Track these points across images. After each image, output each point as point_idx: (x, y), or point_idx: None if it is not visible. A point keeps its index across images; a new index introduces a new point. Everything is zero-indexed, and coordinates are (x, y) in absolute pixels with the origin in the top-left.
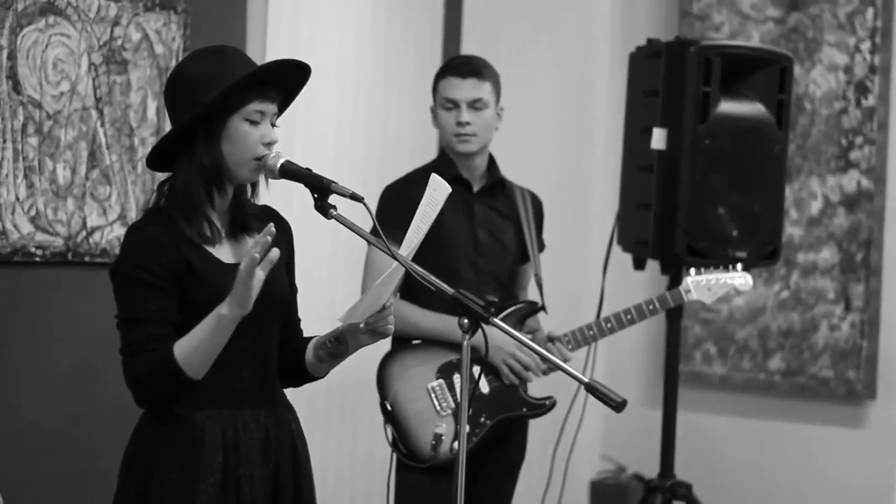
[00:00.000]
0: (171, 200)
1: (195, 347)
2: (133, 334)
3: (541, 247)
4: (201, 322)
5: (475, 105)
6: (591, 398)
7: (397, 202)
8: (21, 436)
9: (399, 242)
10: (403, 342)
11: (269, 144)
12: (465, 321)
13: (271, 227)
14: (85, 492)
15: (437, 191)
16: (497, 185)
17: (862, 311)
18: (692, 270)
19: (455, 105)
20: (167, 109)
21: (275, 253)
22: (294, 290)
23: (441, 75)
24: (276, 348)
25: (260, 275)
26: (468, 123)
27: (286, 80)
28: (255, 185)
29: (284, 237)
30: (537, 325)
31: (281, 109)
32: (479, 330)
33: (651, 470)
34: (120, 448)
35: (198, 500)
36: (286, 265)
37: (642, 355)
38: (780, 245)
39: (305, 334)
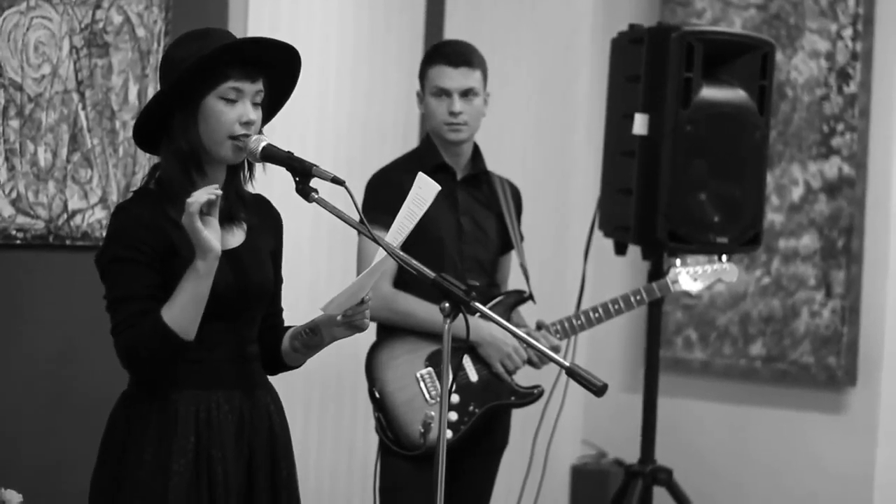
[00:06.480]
0: (158, 182)
1: (181, 307)
2: (122, 312)
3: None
4: (180, 282)
5: (466, 94)
6: (573, 383)
7: (386, 188)
8: (1, 420)
9: (386, 228)
10: (392, 330)
11: (247, 124)
12: (447, 305)
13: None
14: (66, 476)
15: (424, 189)
16: (480, 175)
17: (843, 298)
18: (678, 261)
19: (446, 94)
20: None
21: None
22: (279, 280)
23: (431, 62)
24: (256, 334)
25: (208, 219)
26: (460, 113)
27: (268, 59)
28: (251, 170)
29: (273, 228)
30: (522, 321)
31: (277, 96)
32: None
33: (632, 455)
34: (101, 431)
35: (171, 481)
36: (273, 255)
37: (623, 340)
38: (762, 231)
39: (285, 323)
